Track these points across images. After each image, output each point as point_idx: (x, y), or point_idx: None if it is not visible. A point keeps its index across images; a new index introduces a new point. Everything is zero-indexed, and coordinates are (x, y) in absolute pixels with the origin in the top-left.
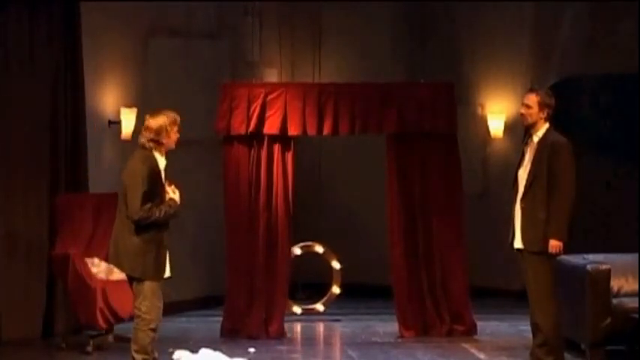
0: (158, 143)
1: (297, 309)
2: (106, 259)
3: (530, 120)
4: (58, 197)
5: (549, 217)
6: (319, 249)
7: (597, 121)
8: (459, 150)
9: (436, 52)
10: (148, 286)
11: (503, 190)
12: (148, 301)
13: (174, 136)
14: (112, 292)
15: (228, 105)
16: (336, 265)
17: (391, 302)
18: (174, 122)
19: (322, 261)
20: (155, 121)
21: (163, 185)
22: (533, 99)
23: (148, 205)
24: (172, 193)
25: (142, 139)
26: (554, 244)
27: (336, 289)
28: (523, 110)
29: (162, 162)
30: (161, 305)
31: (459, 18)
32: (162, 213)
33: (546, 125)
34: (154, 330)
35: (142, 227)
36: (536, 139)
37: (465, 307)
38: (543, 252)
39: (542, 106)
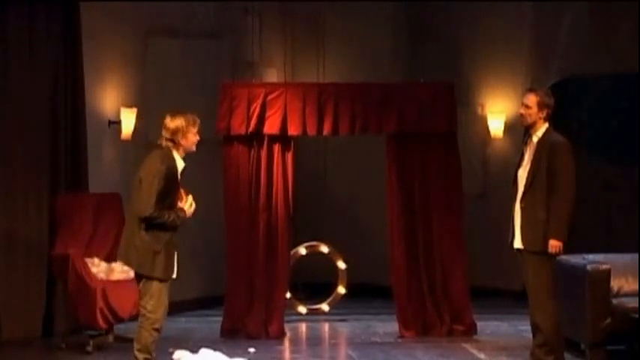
0: (175, 143)
1: (302, 309)
2: (107, 259)
3: (529, 120)
4: (58, 197)
5: (549, 217)
6: (324, 249)
7: (597, 121)
8: (458, 150)
9: (436, 52)
10: (156, 285)
11: (504, 190)
12: (155, 300)
13: (192, 137)
14: (112, 292)
15: (228, 105)
16: (341, 265)
17: (391, 302)
18: (192, 124)
19: (324, 260)
20: (173, 122)
21: (178, 187)
22: (532, 99)
23: (159, 206)
24: (188, 206)
25: (161, 139)
26: (554, 244)
27: (341, 289)
28: (522, 110)
29: (180, 163)
30: (167, 306)
31: (459, 18)
32: (170, 219)
33: (546, 125)
34: (157, 330)
35: (151, 226)
36: (535, 139)
37: (465, 307)
38: (543, 252)
39: (541, 106)
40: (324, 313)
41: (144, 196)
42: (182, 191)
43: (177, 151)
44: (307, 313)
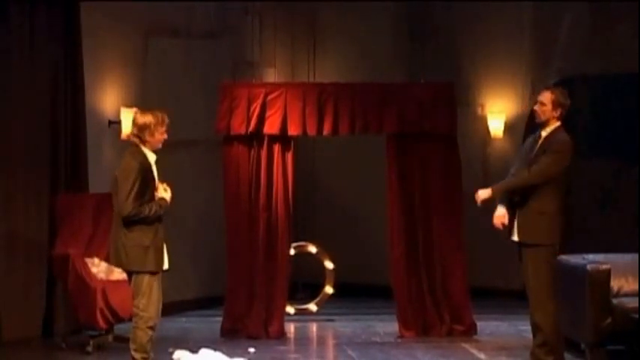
0: (141, 140)
1: (290, 309)
2: (107, 260)
3: (542, 117)
4: (58, 197)
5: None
6: (312, 249)
7: (597, 121)
8: (458, 150)
9: (436, 52)
10: (146, 282)
11: None
12: (146, 298)
13: (159, 136)
14: (112, 292)
15: (228, 105)
16: (329, 265)
17: (391, 302)
18: (160, 123)
19: (318, 261)
20: (142, 118)
21: (154, 180)
22: (548, 97)
23: (138, 202)
24: (164, 192)
25: (129, 135)
26: (481, 192)
27: (329, 289)
28: (536, 107)
29: (152, 157)
30: (160, 302)
31: (459, 18)
32: (153, 212)
33: (557, 124)
34: (152, 328)
35: (133, 222)
36: (544, 134)
37: (465, 307)
38: (539, 245)
39: (555, 104)
40: (312, 313)
41: (121, 196)
42: (158, 183)
43: (144, 147)
44: (295, 314)
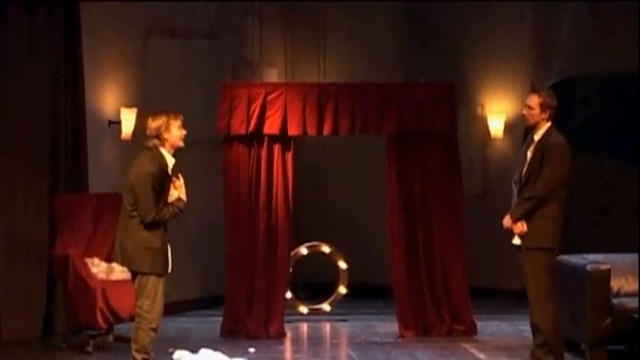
0: (160, 139)
1: (303, 309)
2: (107, 259)
3: (531, 121)
4: (58, 197)
5: (518, 202)
6: (326, 249)
7: (597, 121)
8: (459, 150)
9: (436, 52)
10: (152, 284)
11: (504, 190)
12: (150, 299)
13: (176, 131)
14: (112, 292)
15: (228, 105)
16: (342, 265)
17: (391, 302)
18: (174, 118)
19: (325, 261)
20: (154, 121)
21: (170, 182)
22: (534, 100)
23: (160, 206)
24: (182, 190)
25: (147, 141)
26: (505, 221)
27: (342, 289)
28: (525, 111)
29: (171, 160)
30: (163, 304)
31: (459, 18)
32: (173, 214)
33: (547, 125)
34: (154, 330)
35: (151, 225)
36: (536, 137)
37: (465, 307)
38: (539, 248)
39: (543, 107)
40: (325, 313)
41: (142, 202)
42: (173, 180)
43: (164, 148)
44: (308, 313)
